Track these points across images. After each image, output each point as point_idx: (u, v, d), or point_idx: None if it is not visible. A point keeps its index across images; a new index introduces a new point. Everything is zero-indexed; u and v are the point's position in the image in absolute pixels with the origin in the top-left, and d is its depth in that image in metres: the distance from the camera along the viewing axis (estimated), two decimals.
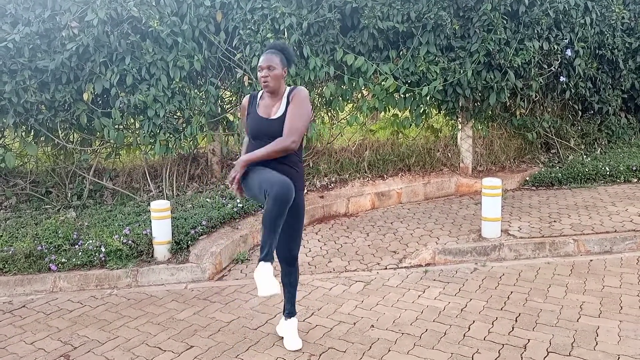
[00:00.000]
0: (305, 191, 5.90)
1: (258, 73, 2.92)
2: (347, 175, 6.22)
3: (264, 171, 2.79)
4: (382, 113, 6.48)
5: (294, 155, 2.94)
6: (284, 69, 2.93)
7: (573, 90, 6.78)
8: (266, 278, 2.68)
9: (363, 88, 5.92)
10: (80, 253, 4.36)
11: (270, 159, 2.84)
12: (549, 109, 7.03)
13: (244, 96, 3.09)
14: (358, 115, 6.08)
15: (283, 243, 3.10)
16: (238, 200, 5.20)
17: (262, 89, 3.01)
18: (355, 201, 5.86)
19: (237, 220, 5.08)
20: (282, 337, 3.25)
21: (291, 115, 2.84)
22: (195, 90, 5.68)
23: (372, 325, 3.39)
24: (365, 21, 5.52)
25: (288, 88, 2.97)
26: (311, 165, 6.29)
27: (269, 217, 2.65)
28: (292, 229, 3.07)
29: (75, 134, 5.90)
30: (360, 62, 5.63)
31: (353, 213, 5.82)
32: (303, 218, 3.14)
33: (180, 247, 4.49)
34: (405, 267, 4.39)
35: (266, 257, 2.70)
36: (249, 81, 5.59)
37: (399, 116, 6.37)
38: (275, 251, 2.87)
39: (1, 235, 4.66)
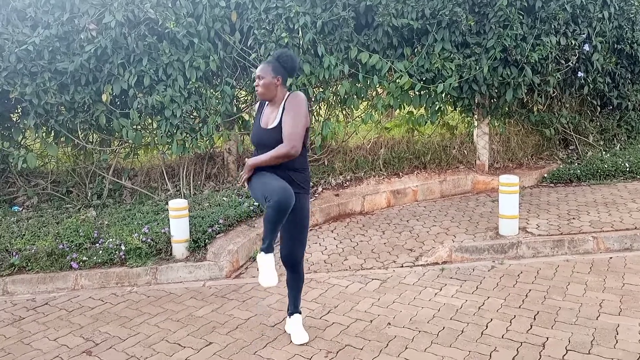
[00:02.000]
0: (321, 189, 5.92)
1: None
2: (363, 173, 6.22)
3: (267, 177, 2.88)
4: (397, 110, 6.47)
5: (299, 159, 2.98)
6: (276, 77, 2.98)
7: (591, 86, 6.68)
8: (267, 269, 2.88)
9: (378, 86, 5.91)
10: (100, 251, 4.44)
11: (273, 164, 2.91)
12: (567, 105, 6.94)
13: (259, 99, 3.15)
14: (373, 113, 6.08)
15: (286, 246, 3.14)
16: (254, 199, 5.24)
17: None
18: (371, 199, 5.87)
19: (254, 218, 5.12)
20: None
21: (287, 122, 2.89)
22: (211, 90, 5.73)
23: (389, 323, 3.39)
24: (379, 19, 5.51)
25: (287, 94, 3.01)
26: (326, 164, 6.30)
27: (269, 223, 2.80)
28: (294, 232, 3.09)
29: (94, 135, 6.00)
30: (375, 60, 5.62)
31: (369, 211, 5.82)
32: (307, 222, 3.14)
33: (197, 246, 4.54)
34: (421, 265, 4.39)
35: (267, 249, 2.88)
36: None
37: (414, 113, 6.35)
38: (280, 256, 3.06)
39: (24, 234, 4.76)
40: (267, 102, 3.10)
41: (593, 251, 4.50)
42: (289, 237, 3.10)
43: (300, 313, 3.28)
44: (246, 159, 3.04)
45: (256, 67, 5.54)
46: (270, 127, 2.97)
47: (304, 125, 2.92)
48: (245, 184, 3.02)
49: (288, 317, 3.30)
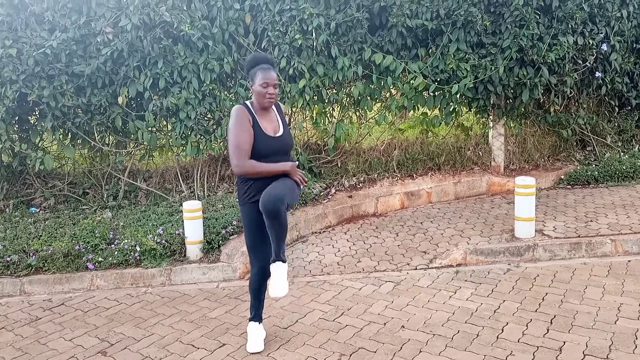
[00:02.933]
0: (334, 191, 5.91)
1: (260, 88, 2.89)
2: (376, 175, 6.20)
3: (274, 184, 2.88)
4: (411, 112, 6.43)
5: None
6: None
7: (609, 86, 6.57)
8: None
9: (392, 87, 5.89)
10: (116, 252, 4.48)
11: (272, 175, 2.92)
12: (585, 105, 6.84)
13: (237, 106, 2.96)
14: (387, 114, 6.05)
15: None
16: None
17: (248, 101, 3.00)
18: (384, 201, 5.84)
19: None
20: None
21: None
22: (225, 92, 5.76)
23: (403, 326, 3.37)
24: (393, 19, 5.49)
25: None
26: (339, 165, 6.29)
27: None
28: (272, 184, 2.88)
29: (110, 137, 6.06)
30: (389, 61, 5.60)
31: (382, 213, 5.79)
32: (288, 181, 2.94)
33: (211, 247, 4.56)
34: (435, 267, 4.35)
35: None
36: (278, 82, 5.62)
37: (429, 115, 6.31)
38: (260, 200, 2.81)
39: (41, 235, 4.83)
40: (251, 108, 2.94)
41: (611, 254, 4.42)
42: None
43: (284, 262, 2.90)
44: (291, 164, 2.98)
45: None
46: (279, 134, 2.99)
47: None
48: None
49: (271, 264, 2.91)
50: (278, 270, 2.88)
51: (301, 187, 3.02)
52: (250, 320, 3.20)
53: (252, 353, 3.11)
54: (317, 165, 6.25)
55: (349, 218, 5.61)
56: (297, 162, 3.04)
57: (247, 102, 2.98)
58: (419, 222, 5.37)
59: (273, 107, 3.05)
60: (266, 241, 3.00)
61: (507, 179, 6.26)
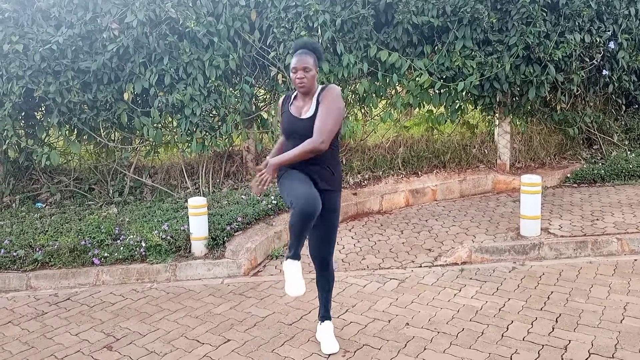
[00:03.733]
0: None
1: (292, 74, 2.84)
2: (381, 172, 6.19)
3: (295, 179, 2.77)
4: (417, 109, 6.41)
5: (329, 155, 2.87)
6: (316, 69, 2.85)
7: (616, 84, 6.53)
8: (293, 277, 2.76)
9: (397, 84, 5.87)
10: (121, 248, 4.50)
11: (301, 160, 2.78)
12: (591, 104, 6.80)
13: (279, 95, 3.07)
14: (392, 112, 6.04)
15: (314, 244, 3.02)
16: (272, 197, 5.25)
17: (295, 90, 2.96)
18: (389, 198, 5.83)
19: (272, 216, 5.13)
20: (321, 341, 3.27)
21: (321, 115, 2.76)
22: (231, 89, 5.76)
23: (407, 323, 3.37)
24: (399, 16, 5.47)
25: (320, 87, 2.91)
26: (344, 162, 6.28)
27: (294, 229, 2.70)
28: (322, 230, 2.95)
29: (116, 133, 6.08)
30: (395, 58, 5.58)
31: (387, 210, 5.78)
32: (337, 220, 3.01)
33: (216, 243, 4.57)
34: (440, 265, 4.34)
35: (294, 257, 2.77)
36: (283, 79, 5.63)
37: (434, 112, 6.29)
38: (309, 254, 2.91)
39: (47, 230, 4.85)
40: (294, 95, 2.96)
41: (617, 253, 4.40)
42: (317, 236, 2.96)
43: (330, 319, 3.13)
44: (268, 158, 2.86)
45: (275, 66, 5.64)
46: (304, 117, 2.84)
47: (338, 121, 2.79)
48: (264, 187, 2.74)
49: (319, 322, 3.15)
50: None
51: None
52: (288, 258, 2.79)
53: (294, 296, 2.92)
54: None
55: (353, 215, 5.61)
56: (273, 161, 2.84)
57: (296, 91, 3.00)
58: (424, 220, 5.36)
59: (318, 92, 2.86)
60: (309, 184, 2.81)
61: (512, 177, 6.24)
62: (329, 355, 3.04)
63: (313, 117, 2.81)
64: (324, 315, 3.14)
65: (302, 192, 2.66)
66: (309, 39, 3.07)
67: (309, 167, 2.84)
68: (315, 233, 2.95)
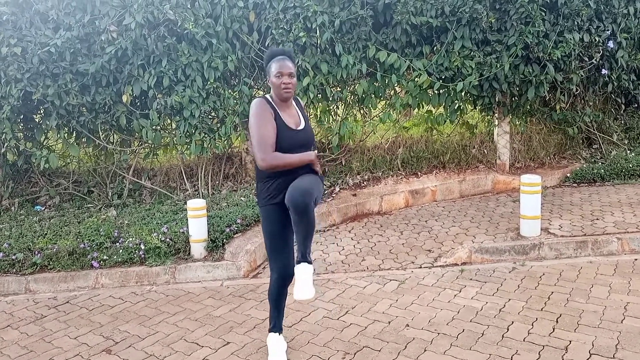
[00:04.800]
0: (338, 189, 5.90)
1: (274, 79, 2.75)
2: (380, 173, 6.18)
3: (280, 236, 2.85)
4: (416, 110, 6.40)
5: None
6: (296, 77, 2.84)
7: (616, 83, 6.52)
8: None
9: (396, 85, 5.86)
10: (120, 250, 4.49)
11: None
12: (591, 103, 6.79)
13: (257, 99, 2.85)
14: (391, 112, 6.03)
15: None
16: None
17: (267, 94, 2.87)
18: (389, 199, 5.82)
19: None
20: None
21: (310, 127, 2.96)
22: (229, 91, 5.75)
23: (407, 325, 3.36)
24: (398, 17, 5.46)
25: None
26: (344, 163, 6.28)
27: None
28: (297, 180, 2.74)
29: (115, 135, 6.07)
30: (393, 59, 5.58)
31: (386, 211, 5.77)
32: (314, 177, 2.83)
33: (215, 245, 4.56)
34: (440, 266, 4.33)
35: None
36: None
37: (433, 112, 6.29)
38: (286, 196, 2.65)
39: (46, 234, 4.84)
40: (271, 102, 2.81)
41: (617, 253, 4.39)
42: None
43: (311, 263, 2.73)
44: (314, 152, 2.83)
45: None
46: (301, 127, 2.84)
47: None
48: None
49: (296, 265, 2.76)
50: (304, 272, 2.68)
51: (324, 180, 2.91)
52: (270, 331, 3.04)
53: (303, 300, 2.79)
54: (322, 164, 6.24)
55: (353, 216, 5.60)
56: (316, 152, 2.86)
57: (267, 96, 2.82)
58: (424, 221, 5.35)
59: (292, 101, 2.90)
60: (287, 245, 2.88)
61: (512, 177, 6.23)
62: (303, 300, 2.76)
63: (307, 126, 2.89)
64: (301, 259, 2.72)
65: (297, 187, 2.60)
66: (287, 48, 3.05)
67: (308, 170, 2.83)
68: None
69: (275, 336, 3.03)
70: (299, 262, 2.70)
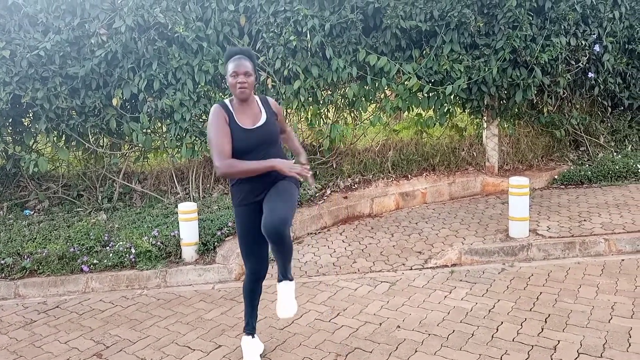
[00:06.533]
0: (329, 192, 5.92)
1: (230, 79, 2.73)
2: (371, 176, 6.21)
3: (251, 237, 2.91)
4: (406, 113, 6.45)
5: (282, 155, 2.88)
6: (255, 75, 2.78)
7: (602, 86, 6.62)
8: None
9: (386, 88, 5.91)
10: (111, 254, 4.47)
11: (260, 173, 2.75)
12: (578, 106, 6.88)
13: (216, 105, 2.79)
14: (381, 116, 6.07)
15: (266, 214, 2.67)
16: None
17: (228, 98, 2.86)
18: (379, 201, 5.85)
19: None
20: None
21: (291, 133, 3.15)
22: (220, 94, 5.75)
23: (398, 326, 3.38)
24: (387, 21, 5.51)
25: (257, 95, 2.90)
26: (334, 166, 6.30)
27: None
28: (274, 198, 2.71)
29: (105, 139, 6.04)
30: (383, 62, 5.62)
31: (377, 213, 5.81)
32: (292, 188, 2.79)
33: (207, 248, 4.56)
34: (431, 267, 4.37)
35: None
36: (273, 83, 5.64)
37: (423, 115, 6.33)
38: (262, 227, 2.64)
39: (35, 238, 4.81)
40: (230, 105, 2.79)
41: (605, 253, 4.45)
42: (269, 203, 2.71)
43: (292, 280, 2.84)
44: (279, 160, 2.72)
45: (264, 70, 5.65)
46: (258, 125, 2.78)
47: None
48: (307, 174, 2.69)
49: (277, 283, 2.85)
50: (285, 290, 2.78)
51: (301, 181, 2.84)
52: (243, 331, 3.10)
53: (286, 317, 2.89)
54: (313, 167, 6.26)
55: (344, 219, 5.62)
56: (292, 160, 2.78)
57: (226, 100, 2.83)
58: (414, 223, 5.39)
59: (258, 100, 2.87)
60: (260, 244, 2.91)
61: (501, 179, 6.30)
62: (288, 318, 2.96)
63: (270, 120, 2.83)
64: (282, 279, 2.83)
65: (270, 217, 2.59)
66: (244, 47, 3.06)
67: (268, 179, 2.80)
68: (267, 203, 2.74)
69: (249, 339, 3.07)
70: (280, 281, 2.81)
